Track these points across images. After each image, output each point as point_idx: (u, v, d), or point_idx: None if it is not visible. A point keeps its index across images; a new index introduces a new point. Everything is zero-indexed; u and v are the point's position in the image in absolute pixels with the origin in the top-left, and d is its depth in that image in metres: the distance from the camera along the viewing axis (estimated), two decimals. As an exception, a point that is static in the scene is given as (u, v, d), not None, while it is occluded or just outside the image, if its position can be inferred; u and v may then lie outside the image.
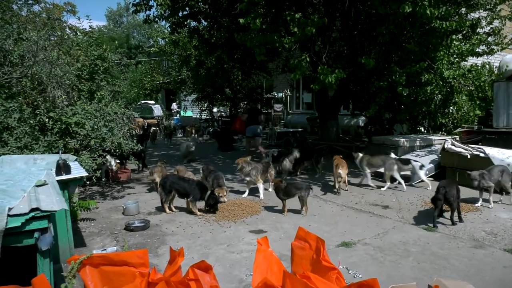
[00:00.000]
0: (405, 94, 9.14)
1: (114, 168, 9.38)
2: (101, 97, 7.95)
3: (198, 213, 6.57)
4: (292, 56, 13.96)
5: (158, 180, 8.03)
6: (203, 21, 12.87)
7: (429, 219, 6.17)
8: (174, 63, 22.17)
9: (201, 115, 21.22)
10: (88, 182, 8.30)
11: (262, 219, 6.42)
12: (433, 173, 9.18)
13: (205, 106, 21.12)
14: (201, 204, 6.81)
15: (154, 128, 19.42)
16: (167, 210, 6.78)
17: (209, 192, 6.68)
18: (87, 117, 6.90)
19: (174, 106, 30.17)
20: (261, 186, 7.83)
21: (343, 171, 8.02)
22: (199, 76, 17.99)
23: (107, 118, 7.06)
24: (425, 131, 13.57)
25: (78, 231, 5.89)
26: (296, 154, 9.71)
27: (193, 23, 13.09)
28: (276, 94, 23.33)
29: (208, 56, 16.29)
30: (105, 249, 4.86)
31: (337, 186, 8.02)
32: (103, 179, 9.25)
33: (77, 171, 4.80)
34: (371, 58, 8.90)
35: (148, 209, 7.12)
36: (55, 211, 2.81)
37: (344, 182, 8.31)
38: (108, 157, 8.70)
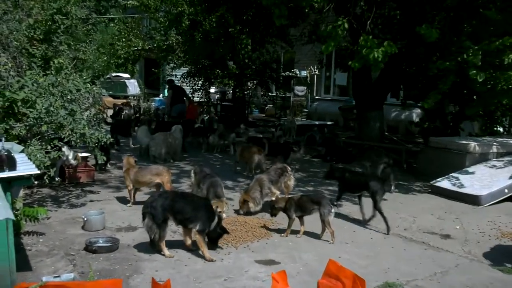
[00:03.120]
0: (480, 80, 9.04)
1: (73, 162, 9.43)
2: (59, 66, 7.99)
3: (209, 256, 5.84)
4: (323, 20, 13.88)
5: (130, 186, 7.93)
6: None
7: (507, 257, 6.13)
8: (160, 23, 22.18)
9: (193, 96, 21.18)
10: (36, 182, 8.37)
11: (273, 245, 6.43)
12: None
13: (199, 85, 21.08)
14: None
15: (127, 112, 19.49)
16: (166, 251, 6.01)
17: (216, 219, 6.10)
18: (40, 94, 6.93)
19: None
20: None
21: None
22: (194, 42, 17.94)
23: (69, 97, 7.09)
24: (505, 133, 13.45)
25: (22, 248, 5.92)
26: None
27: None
28: (298, 72, 23.24)
29: (207, 16, 16.28)
30: (59, 276, 4.88)
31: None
32: (57, 179, 9.31)
33: (25, 166, 4.84)
34: (434, 27, 8.83)
35: (117, 223, 7.15)
36: (-4, 221, 2.83)
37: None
38: (65, 148, 8.76)
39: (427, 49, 10.49)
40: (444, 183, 9.67)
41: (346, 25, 9.00)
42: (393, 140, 14.51)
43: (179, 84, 19.66)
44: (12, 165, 4.62)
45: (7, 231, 4.42)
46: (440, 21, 9.42)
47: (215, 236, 6.14)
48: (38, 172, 5.04)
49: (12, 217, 3.30)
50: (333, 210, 6.71)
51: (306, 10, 10.83)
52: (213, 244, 6.18)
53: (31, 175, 4.60)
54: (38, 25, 8.70)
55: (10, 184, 4.51)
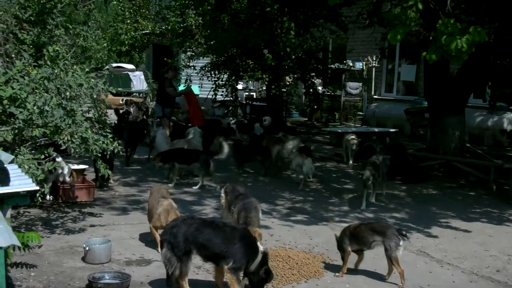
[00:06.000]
0: None
1: (68, 180, 9.55)
2: (54, 55, 8.13)
3: None
4: (388, -1, 13.94)
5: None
6: None
7: None
8: (175, 1, 22.44)
9: (215, 94, 21.25)
10: (25, 201, 8.51)
11: (326, 287, 6.43)
12: None
13: (224, 79, 21.16)
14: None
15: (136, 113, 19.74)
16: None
17: (259, 256, 6.00)
18: (32, 89, 7.07)
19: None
20: None
21: None
22: (219, 26, 18.07)
23: (68, 94, 7.21)
24: None
25: (9, 283, 6.04)
26: None
27: None
28: (351, 64, 23.18)
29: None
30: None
31: None
32: (49, 198, 9.47)
33: (19, 181, 4.94)
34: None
35: (126, 254, 7.24)
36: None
37: None
38: (59, 159, 8.92)
39: (524, 36, 10.38)
40: (547, 211, 9.56)
41: (420, 6, 8.90)
42: (477, 153, 14.30)
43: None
44: (4, 179, 4.70)
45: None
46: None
47: (257, 280, 5.94)
48: (37, 188, 5.15)
49: (18, 243, 3.40)
50: (401, 243, 6.59)
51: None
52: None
53: (28, 191, 4.67)
54: (30, 4, 8.88)
55: (2, 202, 4.58)
